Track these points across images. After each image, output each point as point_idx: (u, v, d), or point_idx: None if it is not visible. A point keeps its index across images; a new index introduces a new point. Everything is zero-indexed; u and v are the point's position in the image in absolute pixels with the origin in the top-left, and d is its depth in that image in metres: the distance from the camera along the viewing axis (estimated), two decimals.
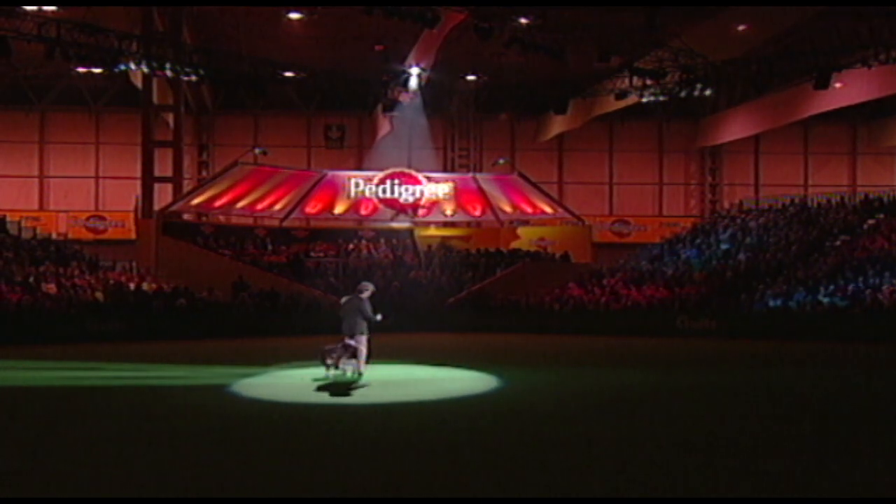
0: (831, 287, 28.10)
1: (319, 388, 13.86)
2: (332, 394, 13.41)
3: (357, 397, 13.15)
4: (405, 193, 38.79)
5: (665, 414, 11.77)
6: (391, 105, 36.98)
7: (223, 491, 7.40)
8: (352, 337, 14.62)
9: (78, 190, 44.88)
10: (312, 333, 15.62)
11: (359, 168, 40.77)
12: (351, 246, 37.70)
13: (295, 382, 14.70)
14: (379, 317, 14.62)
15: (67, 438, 9.87)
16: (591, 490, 7.39)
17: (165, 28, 34.00)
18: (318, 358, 15.02)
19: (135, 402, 13.02)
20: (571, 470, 8.15)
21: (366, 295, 14.94)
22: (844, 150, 47.64)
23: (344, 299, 15.31)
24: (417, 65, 36.14)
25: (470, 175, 41.71)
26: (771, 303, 28.74)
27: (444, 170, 43.75)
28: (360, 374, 14.68)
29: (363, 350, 14.74)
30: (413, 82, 36.67)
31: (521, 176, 40.33)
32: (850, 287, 27.65)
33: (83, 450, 9.26)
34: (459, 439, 9.66)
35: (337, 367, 14.86)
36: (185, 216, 37.35)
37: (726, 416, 11.55)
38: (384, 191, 38.67)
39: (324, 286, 32.90)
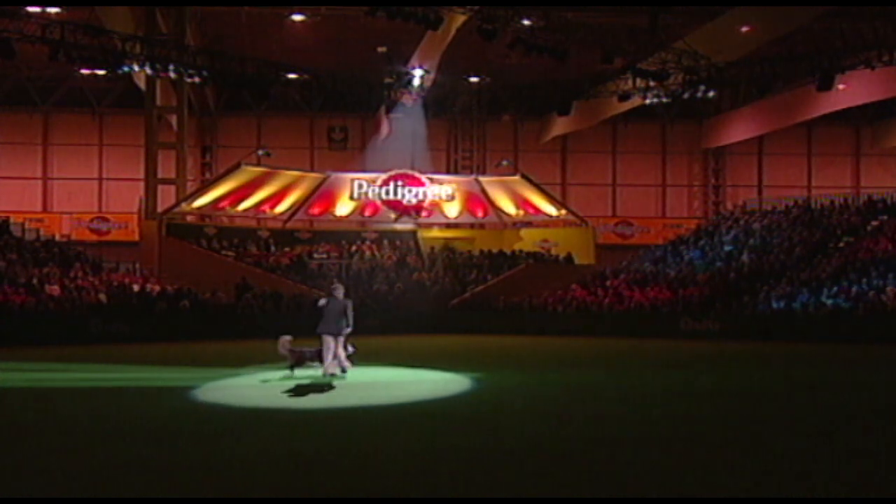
0: (835, 289, 28.06)
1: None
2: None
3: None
4: (408, 195, 38.80)
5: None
6: (394, 106, 36.99)
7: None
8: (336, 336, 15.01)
9: (81, 191, 44.96)
10: (316, 334, 15.59)
11: (362, 170, 40.75)
12: (354, 247, 37.72)
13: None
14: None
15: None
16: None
17: (169, 29, 34.01)
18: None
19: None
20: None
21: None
22: (848, 151, 47.61)
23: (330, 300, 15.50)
24: (421, 66, 36.13)
25: (473, 176, 41.72)
26: (774, 304, 28.69)
27: (448, 171, 43.81)
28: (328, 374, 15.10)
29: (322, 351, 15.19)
30: (416, 84, 36.66)
31: (524, 177, 40.29)
32: (854, 289, 27.61)
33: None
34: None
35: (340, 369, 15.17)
36: (189, 218, 37.36)
37: (719, 416, 11.54)
38: (387, 192, 38.68)
39: (327, 287, 32.83)
